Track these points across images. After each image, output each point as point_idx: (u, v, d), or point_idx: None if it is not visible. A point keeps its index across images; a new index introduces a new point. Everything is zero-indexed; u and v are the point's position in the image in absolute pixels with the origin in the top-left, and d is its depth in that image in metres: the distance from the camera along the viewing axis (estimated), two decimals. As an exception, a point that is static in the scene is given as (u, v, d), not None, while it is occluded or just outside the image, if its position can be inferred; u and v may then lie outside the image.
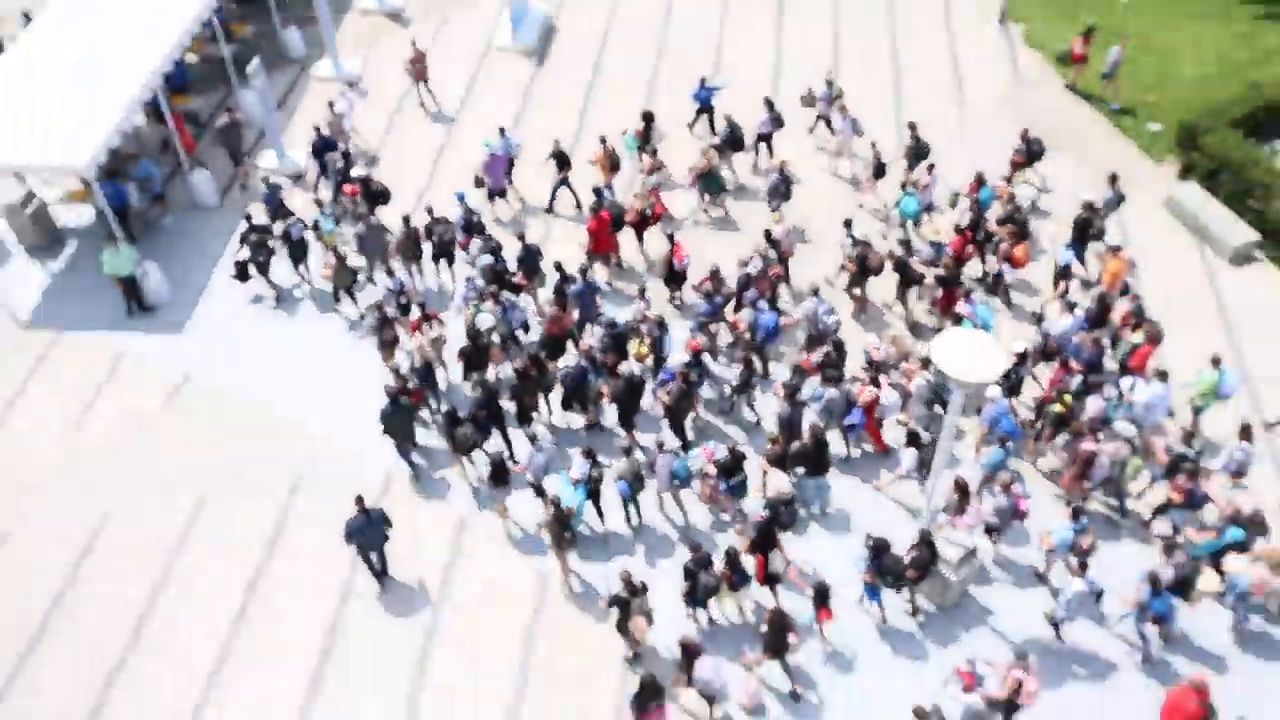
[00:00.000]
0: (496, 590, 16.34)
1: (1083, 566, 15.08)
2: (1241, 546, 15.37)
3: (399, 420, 17.18)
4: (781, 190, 21.13)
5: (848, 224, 19.85)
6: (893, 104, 24.60)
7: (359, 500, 15.66)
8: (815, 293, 18.66)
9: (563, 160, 21.54)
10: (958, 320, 18.28)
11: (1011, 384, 17.62)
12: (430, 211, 20.28)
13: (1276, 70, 23.68)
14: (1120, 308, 18.55)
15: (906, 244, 20.27)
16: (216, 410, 18.80)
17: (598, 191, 20.75)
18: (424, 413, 18.40)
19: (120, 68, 21.16)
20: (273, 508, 17.39)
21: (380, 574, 16.44)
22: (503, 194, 22.16)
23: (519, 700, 15.06)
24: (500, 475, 16.59)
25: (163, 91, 22.01)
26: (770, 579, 15.47)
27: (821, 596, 14.96)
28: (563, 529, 15.71)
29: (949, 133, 23.15)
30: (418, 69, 24.39)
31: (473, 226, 20.08)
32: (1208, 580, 15.38)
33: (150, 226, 21.92)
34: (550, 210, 22.13)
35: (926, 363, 17.35)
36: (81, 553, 16.85)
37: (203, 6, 23.01)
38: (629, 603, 14.70)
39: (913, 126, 21.98)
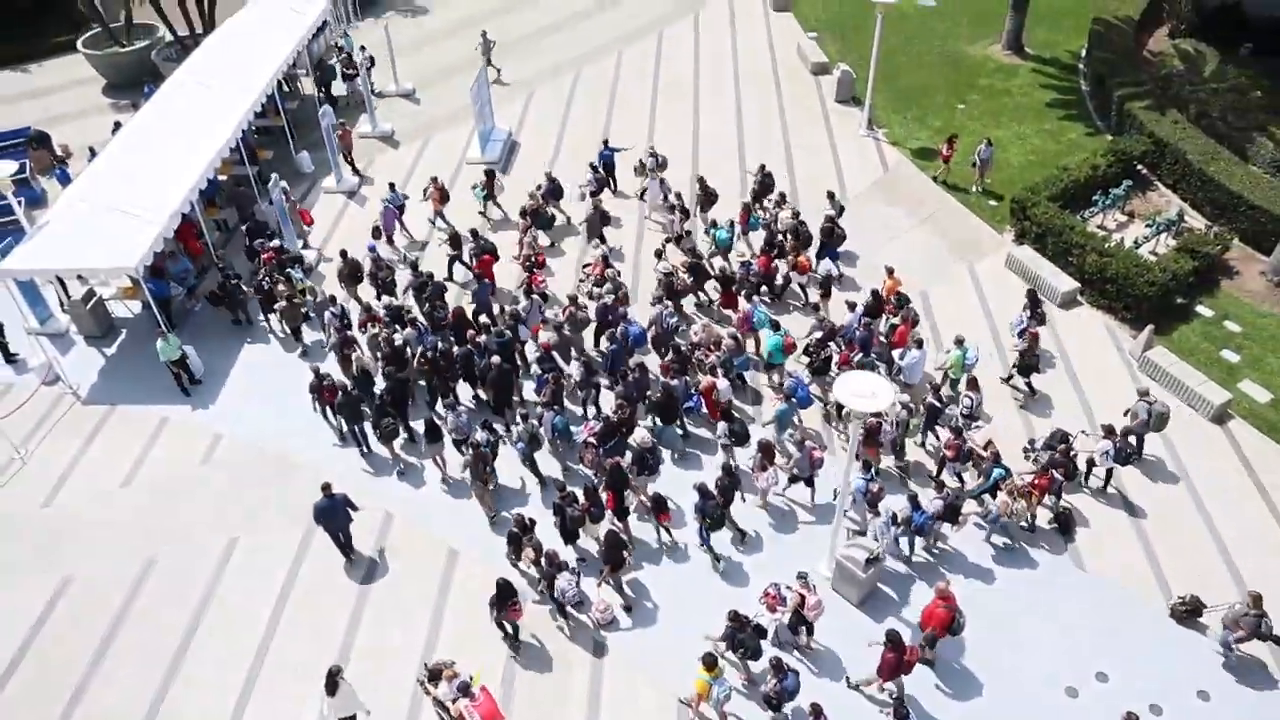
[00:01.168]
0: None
1: (873, 505, 15.36)
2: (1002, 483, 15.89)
3: (349, 408, 17.41)
4: (596, 225, 21.79)
5: (658, 254, 20.43)
6: (789, 188, 24.24)
7: (325, 486, 15.23)
8: (659, 301, 19.14)
9: (455, 241, 21.44)
10: (748, 326, 18.88)
11: (815, 365, 18.26)
12: (374, 260, 20.42)
13: (1077, 157, 23.92)
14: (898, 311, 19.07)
15: (693, 250, 20.62)
16: (241, 462, 17.77)
17: (474, 233, 21.31)
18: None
19: (164, 186, 20.34)
20: (289, 542, 16.34)
21: (346, 550, 15.91)
22: (390, 239, 22.43)
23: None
24: (433, 433, 16.81)
25: (198, 204, 21.23)
26: (621, 512, 15.47)
27: (659, 504, 15.32)
28: (482, 467, 15.99)
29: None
30: (345, 142, 24.93)
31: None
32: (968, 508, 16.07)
33: (186, 314, 20.97)
34: (451, 279, 21.54)
35: (719, 343, 18.06)
36: (132, 589, 15.71)
37: (233, 136, 22.35)
38: (520, 538, 14.80)
39: (701, 180, 22.68)
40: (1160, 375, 18.69)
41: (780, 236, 20.84)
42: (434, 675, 13.24)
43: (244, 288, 20.29)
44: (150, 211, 19.60)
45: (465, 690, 12.84)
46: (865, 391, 13.02)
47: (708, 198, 22.33)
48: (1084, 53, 29.57)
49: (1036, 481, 15.74)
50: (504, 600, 14.03)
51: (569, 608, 14.62)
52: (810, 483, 16.21)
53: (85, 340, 20.60)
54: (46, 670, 14.63)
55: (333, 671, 12.93)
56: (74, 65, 30.90)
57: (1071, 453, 16.07)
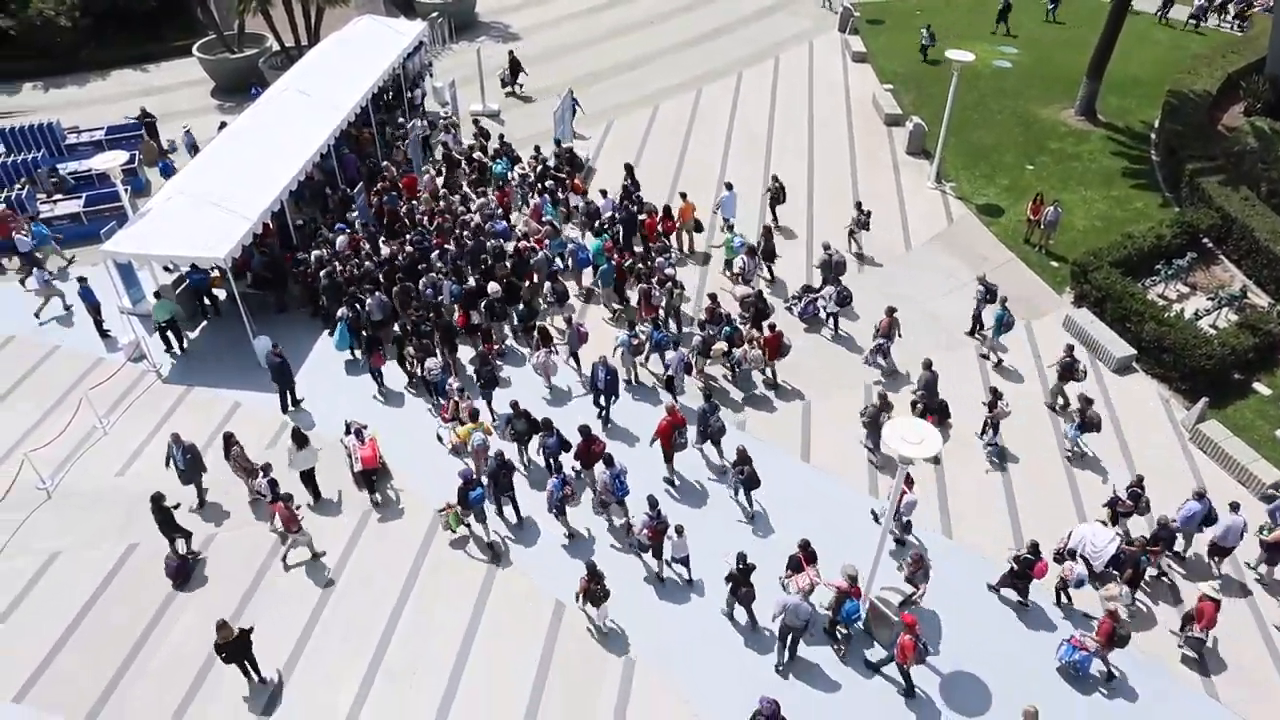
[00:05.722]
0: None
1: (638, 353, 19.04)
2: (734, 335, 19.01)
3: (333, 289, 20.19)
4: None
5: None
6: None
7: (275, 346, 18.19)
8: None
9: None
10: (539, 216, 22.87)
11: (615, 237, 22.08)
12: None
13: (1143, 226, 23.36)
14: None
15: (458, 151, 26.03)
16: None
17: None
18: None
19: (259, 187, 20.96)
20: (345, 526, 16.50)
21: (290, 403, 18.67)
22: None
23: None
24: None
25: (287, 203, 21.81)
26: (471, 329, 19.66)
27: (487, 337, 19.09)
28: (407, 298, 20.05)
29: (899, 255, 22.78)
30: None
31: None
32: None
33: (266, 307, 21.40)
34: None
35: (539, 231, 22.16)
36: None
37: (325, 142, 23.03)
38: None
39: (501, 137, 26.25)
40: (1212, 449, 18.02)
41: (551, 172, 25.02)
42: (348, 429, 16.73)
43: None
44: (244, 207, 20.16)
45: (359, 436, 16.39)
46: (914, 439, 12.90)
47: (482, 136, 26.78)
48: (1156, 123, 28.93)
49: (768, 338, 18.63)
50: (370, 349, 18.55)
51: (432, 384, 18.24)
52: (577, 359, 19.18)
53: (173, 324, 21.15)
54: (105, 630, 14.97)
55: (299, 429, 16.22)
56: (188, 67, 32.15)
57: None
